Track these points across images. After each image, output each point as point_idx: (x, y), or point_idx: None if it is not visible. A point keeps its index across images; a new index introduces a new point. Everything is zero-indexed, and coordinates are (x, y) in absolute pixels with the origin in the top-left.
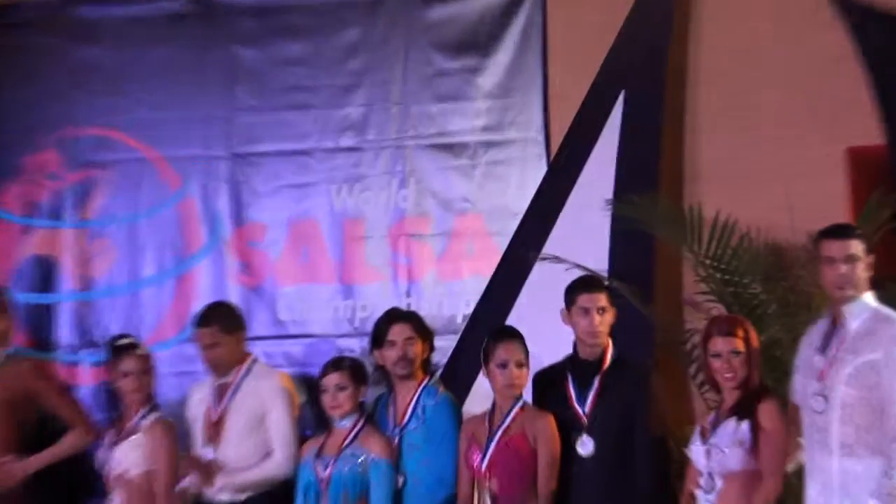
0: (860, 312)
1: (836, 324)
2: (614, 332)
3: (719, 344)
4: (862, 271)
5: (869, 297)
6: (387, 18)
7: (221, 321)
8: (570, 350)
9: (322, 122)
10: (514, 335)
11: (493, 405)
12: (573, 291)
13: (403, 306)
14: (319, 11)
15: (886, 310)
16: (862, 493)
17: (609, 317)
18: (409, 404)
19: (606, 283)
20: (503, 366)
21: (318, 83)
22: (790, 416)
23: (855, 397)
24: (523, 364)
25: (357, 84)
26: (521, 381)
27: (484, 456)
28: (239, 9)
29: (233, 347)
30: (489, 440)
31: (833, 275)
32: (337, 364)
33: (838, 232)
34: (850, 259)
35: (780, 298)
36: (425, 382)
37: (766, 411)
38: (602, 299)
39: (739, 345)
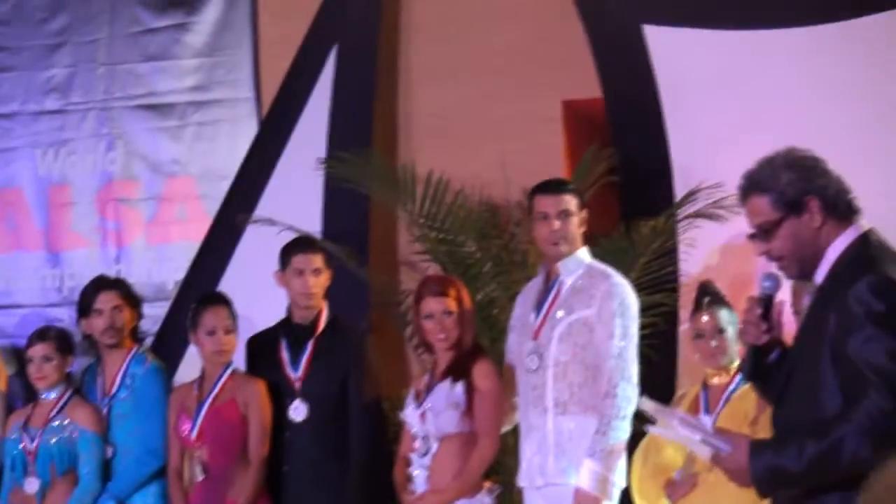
0: (575, 268)
1: (549, 280)
2: (328, 295)
3: (431, 304)
4: (576, 227)
5: (584, 253)
6: None
7: None
8: (284, 314)
9: (24, 84)
10: (222, 301)
11: (203, 373)
12: (287, 252)
13: (113, 273)
14: None
15: (601, 266)
16: (576, 451)
17: (324, 278)
18: (116, 374)
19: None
20: (211, 332)
21: (19, 43)
22: (506, 376)
23: (569, 354)
24: (231, 330)
25: (61, 44)
26: (230, 347)
27: (194, 424)
28: None
29: None
30: (199, 408)
31: (546, 231)
32: (42, 334)
33: (551, 187)
34: (564, 214)
35: (496, 257)
36: (134, 351)
37: (481, 371)
38: (317, 260)
39: (451, 305)
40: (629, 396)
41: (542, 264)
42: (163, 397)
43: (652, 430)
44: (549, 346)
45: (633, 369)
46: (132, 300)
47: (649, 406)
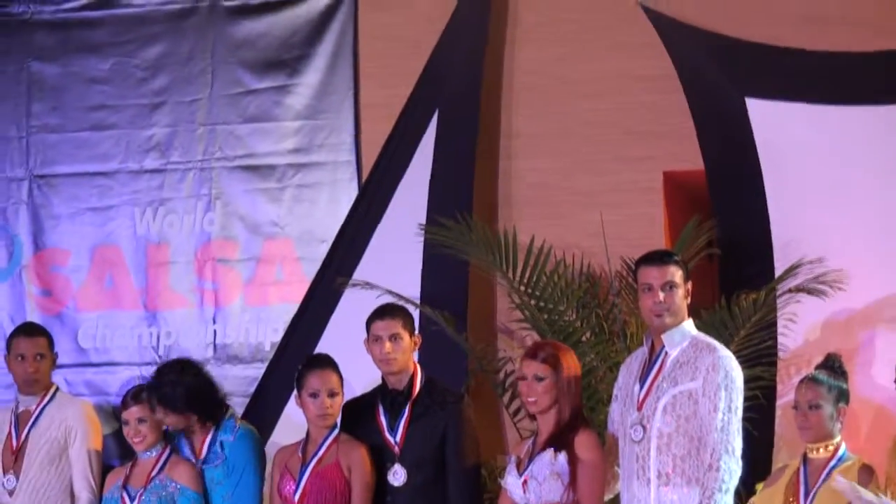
0: (680, 341)
1: (654, 351)
2: (426, 361)
3: (525, 366)
4: (680, 299)
5: (689, 325)
6: (193, 34)
7: (48, 336)
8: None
9: (125, 143)
10: (327, 363)
11: (308, 434)
12: (368, 321)
13: (209, 333)
14: (123, 26)
15: (706, 338)
16: None
17: (406, 344)
18: (203, 441)
19: (415, 307)
20: (315, 395)
21: (120, 102)
22: (608, 446)
23: (672, 426)
24: (336, 393)
25: (162, 103)
26: (334, 410)
27: (297, 486)
28: (36, 23)
29: (50, 366)
30: (302, 470)
31: (651, 302)
32: (136, 395)
33: (656, 258)
34: (669, 286)
35: (595, 326)
36: (222, 418)
37: (583, 442)
38: (395, 326)
39: (543, 370)
40: (732, 470)
41: (646, 335)
42: (254, 461)
43: None
44: (654, 418)
45: (737, 443)
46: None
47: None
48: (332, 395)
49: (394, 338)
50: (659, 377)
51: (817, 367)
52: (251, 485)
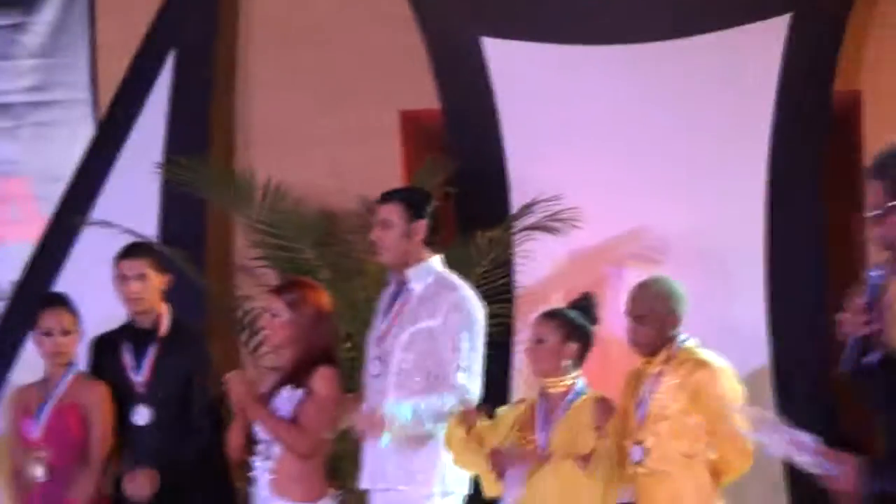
0: (425, 276)
1: (399, 287)
2: (164, 299)
3: (266, 301)
4: (396, 237)
5: (435, 262)
6: None
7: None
8: (122, 316)
9: None
10: (60, 302)
11: (45, 374)
12: (115, 259)
13: None
14: None
15: (450, 276)
16: (415, 457)
17: (154, 283)
18: None
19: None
20: (48, 334)
21: None
22: None
23: (411, 363)
24: (69, 332)
25: None
26: (66, 349)
27: (37, 424)
28: None
29: None
30: (40, 410)
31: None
32: None
33: (382, 197)
34: (382, 224)
35: (333, 264)
36: None
37: (319, 376)
38: (141, 266)
39: (280, 307)
40: (463, 399)
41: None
42: None
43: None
44: (393, 353)
45: (477, 381)
46: None
47: (755, 415)
48: (65, 333)
49: (140, 277)
50: (402, 313)
51: (569, 304)
52: None
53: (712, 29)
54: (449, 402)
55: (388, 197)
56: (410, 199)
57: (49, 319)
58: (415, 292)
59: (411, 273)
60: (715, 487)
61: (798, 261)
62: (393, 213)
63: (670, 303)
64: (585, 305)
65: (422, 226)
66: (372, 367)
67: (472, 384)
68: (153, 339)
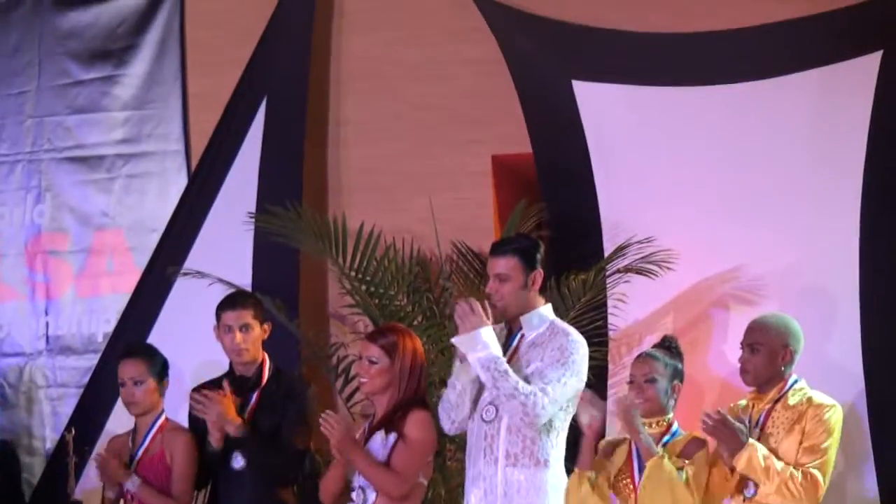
0: (538, 324)
1: (511, 334)
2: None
3: (361, 348)
4: (513, 289)
5: (546, 310)
6: (19, 26)
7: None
8: (216, 364)
9: None
10: (131, 352)
11: (135, 424)
12: (218, 309)
13: (42, 325)
14: None
15: (562, 324)
16: (522, 502)
17: (256, 333)
18: None
19: (256, 297)
20: (122, 384)
21: None
22: None
23: None
24: (140, 381)
25: None
26: (141, 398)
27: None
28: None
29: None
30: (131, 459)
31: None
32: None
33: (492, 249)
34: (498, 278)
35: (426, 310)
36: None
37: (413, 420)
38: (245, 316)
39: (377, 353)
40: (530, 402)
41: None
42: None
43: None
44: None
45: (549, 407)
46: None
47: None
48: (136, 383)
49: (244, 328)
50: (514, 358)
51: (653, 347)
52: None
53: (804, 67)
54: (523, 390)
55: (501, 250)
56: (525, 251)
57: (121, 370)
58: (527, 339)
59: (524, 320)
60: None
61: (894, 296)
62: (509, 266)
63: (786, 337)
64: (668, 346)
65: (538, 276)
66: (486, 413)
67: (546, 404)
68: (255, 388)
